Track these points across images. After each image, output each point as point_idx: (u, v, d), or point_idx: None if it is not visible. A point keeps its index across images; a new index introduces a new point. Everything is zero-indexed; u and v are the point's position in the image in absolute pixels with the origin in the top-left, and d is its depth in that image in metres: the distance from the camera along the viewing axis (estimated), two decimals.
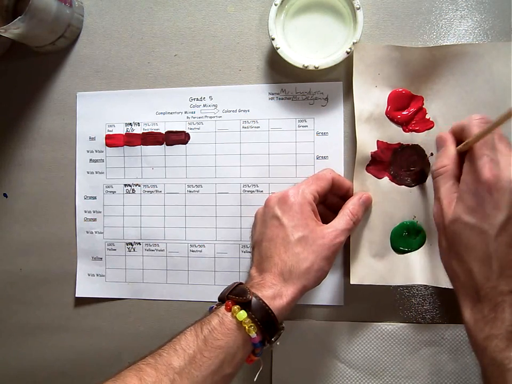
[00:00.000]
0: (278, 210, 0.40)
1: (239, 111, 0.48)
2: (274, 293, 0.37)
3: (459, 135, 0.36)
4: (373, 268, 0.44)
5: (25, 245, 0.51)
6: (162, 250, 0.49)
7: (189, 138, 0.48)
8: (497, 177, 0.30)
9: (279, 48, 0.44)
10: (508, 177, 0.30)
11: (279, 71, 0.47)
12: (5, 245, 0.52)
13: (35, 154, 0.51)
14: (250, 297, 0.36)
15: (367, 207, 0.43)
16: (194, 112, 0.48)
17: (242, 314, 0.36)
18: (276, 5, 0.44)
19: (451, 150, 0.35)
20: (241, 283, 0.39)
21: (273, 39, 0.44)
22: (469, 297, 0.31)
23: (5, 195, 0.52)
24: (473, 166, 0.31)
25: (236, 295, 0.37)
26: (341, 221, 0.40)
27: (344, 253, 0.46)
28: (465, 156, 0.34)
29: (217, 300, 0.39)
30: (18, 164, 0.52)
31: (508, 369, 0.27)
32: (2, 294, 0.52)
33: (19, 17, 0.41)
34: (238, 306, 0.36)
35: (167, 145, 0.49)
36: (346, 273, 0.45)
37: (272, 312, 0.36)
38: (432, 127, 0.44)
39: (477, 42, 0.44)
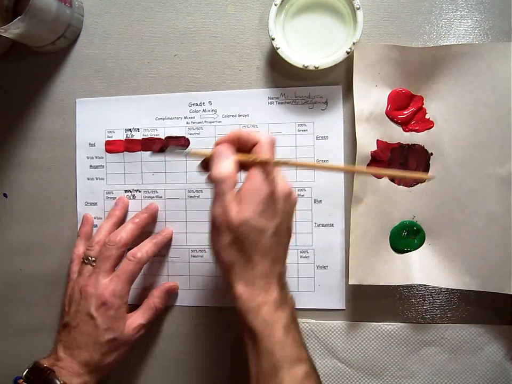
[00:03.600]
0: (94, 311, 0.43)
1: (239, 116, 0.48)
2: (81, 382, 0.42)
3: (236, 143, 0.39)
4: (372, 267, 0.44)
5: (25, 245, 0.51)
6: (163, 256, 0.49)
7: (188, 143, 0.48)
8: (275, 189, 0.36)
9: (279, 48, 0.44)
10: (282, 190, 0.37)
11: (279, 71, 0.47)
12: (5, 245, 0.52)
13: (35, 154, 0.51)
14: None
15: (171, 292, 0.48)
16: (194, 117, 0.48)
17: None
18: (276, 5, 0.44)
19: (231, 160, 0.38)
20: (50, 370, 0.41)
21: (273, 39, 0.44)
22: (244, 278, 0.37)
23: (5, 195, 0.52)
24: (258, 178, 0.37)
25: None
26: (145, 314, 0.46)
27: (344, 253, 0.46)
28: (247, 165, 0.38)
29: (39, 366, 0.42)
30: (18, 164, 0.52)
31: (276, 325, 0.35)
32: (2, 294, 0.52)
33: (19, 17, 0.41)
34: None
35: None
36: (347, 275, 0.45)
37: None
38: (432, 127, 0.44)
39: (477, 42, 0.44)
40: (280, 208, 0.37)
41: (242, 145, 0.39)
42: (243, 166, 0.39)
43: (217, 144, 0.40)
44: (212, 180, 0.37)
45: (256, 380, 0.36)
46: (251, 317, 0.36)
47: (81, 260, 0.46)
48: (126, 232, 0.45)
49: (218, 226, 0.37)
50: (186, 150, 0.44)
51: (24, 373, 0.42)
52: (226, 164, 0.37)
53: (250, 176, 0.37)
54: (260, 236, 0.36)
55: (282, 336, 0.35)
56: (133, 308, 0.47)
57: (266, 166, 0.37)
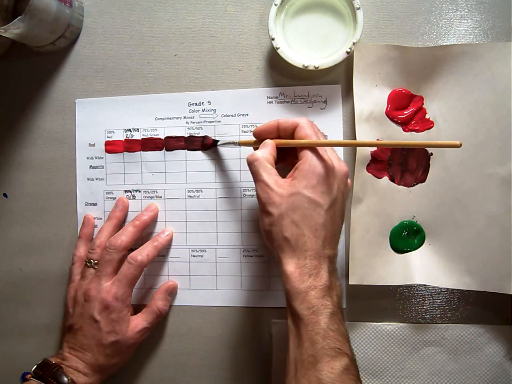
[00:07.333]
0: (97, 315, 0.43)
1: (238, 115, 0.48)
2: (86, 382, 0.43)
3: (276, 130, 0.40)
4: (372, 267, 0.44)
5: (25, 245, 0.51)
6: (163, 256, 0.49)
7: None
8: (333, 166, 0.37)
9: (279, 48, 0.44)
10: (339, 168, 0.38)
11: (279, 71, 0.47)
12: (5, 245, 0.52)
13: (35, 154, 0.51)
14: None
15: (171, 291, 0.48)
16: (193, 117, 0.48)
17: None
18: (276, 5, 0.44)
19: (268, 146, 0.40)
20: (58, 366, 0.42)
21: (273, 39, 0.44)
22: (296, 256, 0.36)
23: (5, 195, 0.52)
24: (315, 155, 0.37)
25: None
26: (149, 318, 0.46)
27: (344, 253, 0.46)
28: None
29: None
30: (18, 163, 0.52)
31: (322, 312, 0.35)
32: (2, 294, 0.52)
33: (19, 17, 0.41)
34: None
35: (166, 150, 0.49)
36: (347, 275, 0.45)
37: None
38: (432, 127, 0.44)
39: (477, 42, 0.44)
40: (336, 186, 0.37)
41: (283, 132, 0.40)
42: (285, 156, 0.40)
43: (254, 132, 0.41)
44: (247, 163, 0.39)
45: (294, 367, 0.35)
46: (298, 301, 0.35)
47: (84, 262, 0.46)
48: (126, 235, 0.45)
49: (263, 204, 0.37)
50: (236, 140, 0.45)
51: (33, 369, 0.43)
52: (260, 150, 0.39)
53: (303, 157, 0.37)
54: (313, 209, 0.36)
55: (326, 325, 0.34)
56: (134, 307, 0.47)
57: (315, 147, 0.37)
